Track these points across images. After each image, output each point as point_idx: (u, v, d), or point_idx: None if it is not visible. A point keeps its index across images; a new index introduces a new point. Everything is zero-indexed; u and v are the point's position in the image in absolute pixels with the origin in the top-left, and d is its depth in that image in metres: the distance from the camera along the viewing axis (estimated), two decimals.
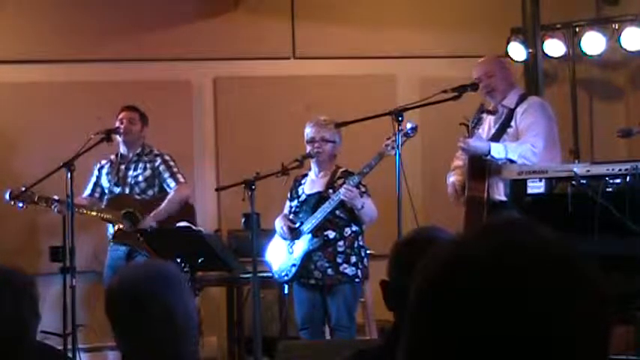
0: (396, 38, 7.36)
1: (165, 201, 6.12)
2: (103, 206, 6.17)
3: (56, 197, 5.93)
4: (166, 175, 6.17)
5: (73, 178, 5.58)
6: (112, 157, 6.27)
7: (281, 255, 5.40)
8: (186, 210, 6.20)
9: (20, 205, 6.00)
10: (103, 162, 6.27)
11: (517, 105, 5.40)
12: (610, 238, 4.49)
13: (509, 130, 5.35)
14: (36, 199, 5.97)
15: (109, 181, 6.23)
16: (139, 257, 5.90)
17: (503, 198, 5.18)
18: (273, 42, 7.29)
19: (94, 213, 6.09)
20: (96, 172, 6.28)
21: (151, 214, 6.05)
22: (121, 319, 2.04)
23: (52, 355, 2.43)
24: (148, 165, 6.20)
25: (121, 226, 6.04)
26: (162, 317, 2.00)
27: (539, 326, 0.88)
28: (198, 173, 7.12)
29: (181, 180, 6.20)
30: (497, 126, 5.44)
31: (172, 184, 6.16)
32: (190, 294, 2.10)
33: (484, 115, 5.27)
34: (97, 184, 6.29)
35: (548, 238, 0.95)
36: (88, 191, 6.28)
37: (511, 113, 5.39)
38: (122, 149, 6.24)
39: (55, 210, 5.95)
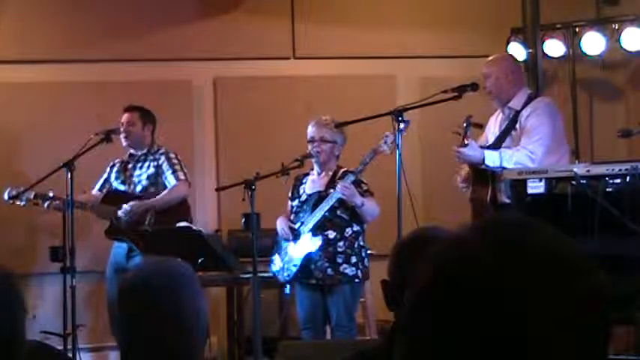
0: (396, 38, 7.36)
1: (161, 194, 6.09)
2: (99, 202, 6.18)
3: (51, 194, 5.95)
4: (168, 172, 6.14)
5: (73, 178, 5.60)
6: (125, 156, 6.27)
7: (283, 259, 5.40)
8: (182, 208, 6.15)
9: (20, 203, 6.02)
10: (116, 160, 6.29)
11: (523, 107, 5.32)
12: (610, 238, 4.48)
13: (513, 133, 5.29)
14: (32, 196, 5.98)
15: (116, 179, 6.24)
16: (137, 257, 5.88)
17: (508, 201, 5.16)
18: (273, 42, 7.29)
19: (88, 210, 6.10)
20: (108, 170, 6.30)
21: (131, 202, 6.01)
22: (130, 315, 2.04)
23: (50, 355, 2.43)
24: (152, 164, 6.19)
25: (114, 222, 6.03)
26: (170, 315, 2.00)
27: (539, 326, 0.88)
28: (198, 173, 7.11)
29: (182, 177, 6.14)
30: (502, 128, 5.39)
31: (173, 181, 6.13)
32: (202, 294, 2.09)
33: (470, 128, 5.17)
34: (107, 180, 6.31)
35: (549, 237, 0.94)
36: (97, 187, 6.29)
37: (517, 116, 5.33)
38: (131, 149, 6.24)
39: (49, 207, 5.97)
